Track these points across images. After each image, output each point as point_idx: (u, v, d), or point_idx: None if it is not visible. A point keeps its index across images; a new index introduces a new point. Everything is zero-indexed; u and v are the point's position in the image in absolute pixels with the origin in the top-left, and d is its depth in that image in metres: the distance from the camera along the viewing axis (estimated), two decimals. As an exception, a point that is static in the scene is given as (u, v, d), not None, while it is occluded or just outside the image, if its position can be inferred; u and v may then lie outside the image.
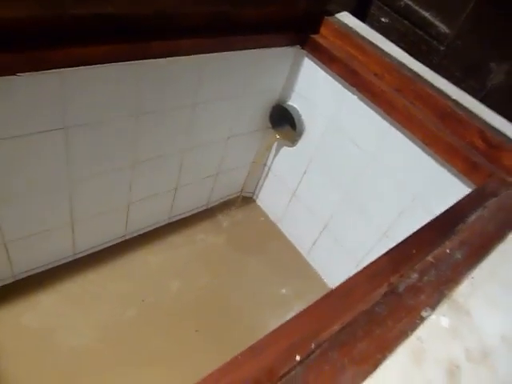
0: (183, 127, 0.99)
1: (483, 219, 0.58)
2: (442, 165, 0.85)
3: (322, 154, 1.12)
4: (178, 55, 0.82)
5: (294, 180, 1.24)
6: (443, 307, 0.43)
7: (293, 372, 0.34)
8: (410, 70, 0.92)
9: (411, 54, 1.08)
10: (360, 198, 1.06)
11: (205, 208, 1.33)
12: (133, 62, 0.76)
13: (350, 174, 1.06)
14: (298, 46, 1.03)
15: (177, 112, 0.94)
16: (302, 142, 1.17)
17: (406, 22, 1.10)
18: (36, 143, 0.76)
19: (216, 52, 0.89)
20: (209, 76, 0.92)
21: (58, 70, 0.68)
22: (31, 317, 0.93)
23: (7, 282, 0.96)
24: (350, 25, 1.01)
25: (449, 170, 0.84)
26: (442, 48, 1.04)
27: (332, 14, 1.03)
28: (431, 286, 0.45)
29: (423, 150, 0.87)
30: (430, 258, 0.48)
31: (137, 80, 0.80)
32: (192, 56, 0.85)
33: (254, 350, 0.38)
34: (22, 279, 0.98)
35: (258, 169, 1.33)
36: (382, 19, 1.16)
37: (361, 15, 1.18)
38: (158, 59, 0.79)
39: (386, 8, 1.14)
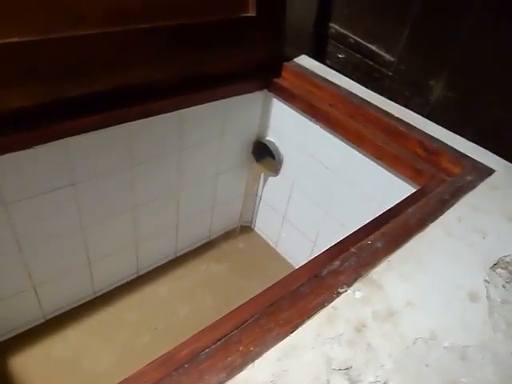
0: (173, 171, 1.15)
1: (408, 214, 0.70)
2: (394, 174, 0.98)
3: (301, 179, 1.26)
4: (157, 114, 0.99)
5: (282, 205, 1.37)
6: (358, 284, 0.55)
7: (231, 334, 0.46)
8: (359, 98, 1.06)
9: (366, 82, 1.24)
10: (338, 213, 1.19)
11: (207, 240, 1.47)
12: (121, 124, 0.94)
13: (325, 193, 1.19)
14: (266, 89, 1.20)
15: (165, 159, 1.10)
16: (283, 171, 1.32)
17: (358, 55, 1.27)
18: (52, 198, 0.93)
19: (191, 106, 1.06)
20: (189, 126, 1.09)
21: (62, 140, 0.86)
22: (60, 350, 1.07)
23: (39, 322, 1.12)
24: (307, 66, 1.18)
25: (399, 178, 0.97)
26: (390, 73, 1.19)
27: (290, 58, 1.21)
28: (350, 269, 0.57)
29: (377, 163, 1.00)
30: (352, 249, 0.61)
31: (126, 138, 0.98)
32: (172, 113, 1.02)
33: (213, 327, 0.51)
34: (52, 318, 1.13)
35: (251, 199, 1.48)
36: (339, 55, 1.32)
37: (321, 55, 1.36)
38: (141, 119, 0.96)
39: (340, 46, 1.31)
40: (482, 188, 0.81)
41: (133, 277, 1.29)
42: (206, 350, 0.45)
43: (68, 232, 1.02)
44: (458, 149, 0.93)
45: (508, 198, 0.79)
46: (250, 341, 0.46)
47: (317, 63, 1.20)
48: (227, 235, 1.52)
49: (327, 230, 1.24)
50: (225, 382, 0.42)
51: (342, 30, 1.28)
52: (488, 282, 0.61)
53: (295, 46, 1.26)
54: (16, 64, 0.73)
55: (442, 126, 1.03)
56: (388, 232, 0.65)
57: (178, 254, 1.40)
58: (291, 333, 0.48)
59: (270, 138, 1.30)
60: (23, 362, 1.03)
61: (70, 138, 0.87)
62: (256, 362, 0.44)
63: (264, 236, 1.53)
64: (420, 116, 1.03)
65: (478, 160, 0.90)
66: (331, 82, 1.11)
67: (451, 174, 0.89)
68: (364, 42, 1.23)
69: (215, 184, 1.31)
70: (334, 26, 1.30)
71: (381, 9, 1.16)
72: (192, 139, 1.13)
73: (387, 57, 1.18)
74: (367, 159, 1.03)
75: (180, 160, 1.14)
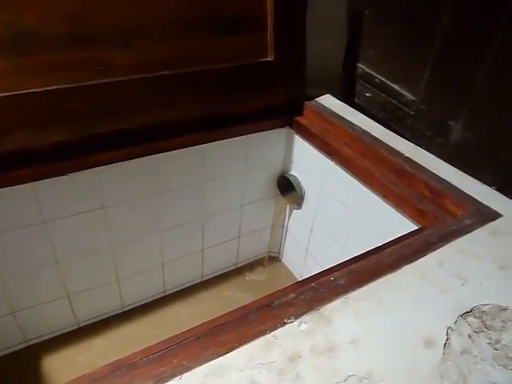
0: (198, 200, 1.25)
1: (385, 254, 0.71)
2: (401, 213, 0.97)
3: (321, 213, 1.29)
4: (178, 148, 1.10)
5: (305, 238, 1.40)
6: (307, 317, 0.58)
7: (169, 348, 0.52)
8: (372, 137, 1.08)
9: (391, 120, 1.26)
10: (353, 250, 1.18)
11: (234, 268, 1.54)
12: (144, 157, 1.06)
13: (342, 228, 1.20)
14: (288, 126, 1.27)
15: (189, 189, 1.20)
16: (305, 205, 1.35)
17: (383, 94, 1.29)
18: (85, 219, 1.07)
19: (214, 141, 1.16)
20: (211, 160, 1.19)
21: (92, 169, 1.00)
22: (85, 356, 1.19)
23: (71, 329, 1.25)
24: (327, 105, 1.23)
25: (406, 218, 0.96)
26: (412, 113, 1.19)
27: (313, 98, 1.26)
28: (303, 302, 0.60)
29: (385, 201, 1.01)
30: (312, 284, 0.63)
31: (151, 169, 1.09)
32: (195, 147, 1.13)
33: (164, 341, 0.57)
34: (83, 327, 1.26)
35: (278, 231, 1.52)
36: (366, 94, 1.35)
37: (350, 93, 1.40)
38: (163, 153, 1.08)
39: (367, 85, 1.34)
40: (481, 233, 0.78)
41: (159, 296, 1.39)
42: (144, 359, 0.51)
43: (98, 250, 1.15)
44: (467, 191, 0.90)
45: (507, 244, 0.76)
46: (185, 356, 0.51)
47: (338, 102, 1.25)
48: (255, 264, 1.57)
49: (344, 266, 1.24)
50: (150, 389, 0.47)
51: (367, 70, 1.32)
52: (452, 330, 0.59)
53: (321, 86, 1.32)
54: (55, 106, 0.89)
55: (462, 167, 1.00)
56: (356, 270, 0.67)
57: (204, 278, 1.47)
58: (225, 354, 0.52)
59: (294, 172, 1.35)
60: (51, 364, 1.16)
61: (98, 168, 1.01)
62: (184, 375, 0.49)
63: (290, 267, 1.55)
64: (433, 156, 1.02)
65: (486, 204, 0.87)
66: (346, 121, 1.15)
67: (455, 216, 0.87)
68: (388, 82, 1.25)
69: (240, 214, 1.39)
70: (361, 66, 1.34)
71: (403, 50, 1.18)
72: (215, 172, 1.22)
73: (409, 96, 1.19)
74: (377, 198, 1.03)
75: (204, 190, 1.24)
